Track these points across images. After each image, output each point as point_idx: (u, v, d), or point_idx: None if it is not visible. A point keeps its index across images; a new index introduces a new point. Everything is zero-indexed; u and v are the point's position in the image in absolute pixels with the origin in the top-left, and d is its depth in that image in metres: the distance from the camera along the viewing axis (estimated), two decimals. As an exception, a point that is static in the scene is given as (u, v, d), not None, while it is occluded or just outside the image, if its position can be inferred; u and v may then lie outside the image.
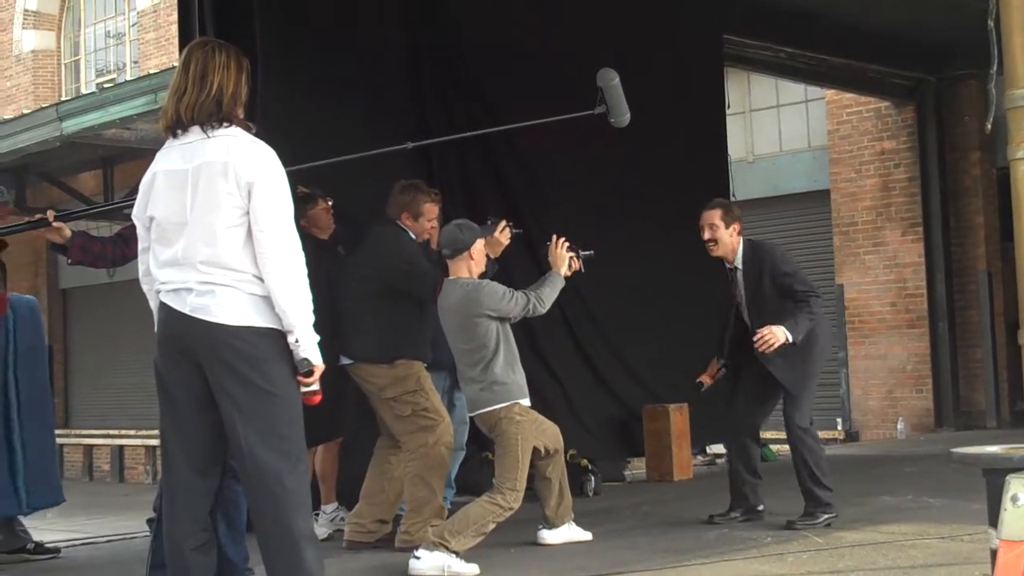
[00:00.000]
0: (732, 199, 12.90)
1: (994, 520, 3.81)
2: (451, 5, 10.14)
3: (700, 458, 12.17)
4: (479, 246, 6.69)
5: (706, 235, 7.43)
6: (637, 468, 11.20)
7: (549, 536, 7.06)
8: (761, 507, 7.65)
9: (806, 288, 7.39)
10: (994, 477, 3.78)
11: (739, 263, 7.43)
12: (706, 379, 7.93)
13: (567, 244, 6.96)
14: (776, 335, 7.10)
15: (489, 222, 7.17)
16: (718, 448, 12.71)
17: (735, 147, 15.39)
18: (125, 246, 5.97)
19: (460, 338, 6.68)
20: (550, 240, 6.99)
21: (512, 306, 6.61)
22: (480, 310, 6.55)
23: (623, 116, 6.33)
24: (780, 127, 16.95)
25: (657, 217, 11.18)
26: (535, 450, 6.77)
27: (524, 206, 10.29)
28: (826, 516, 7.24)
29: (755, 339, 7.15)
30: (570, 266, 6.96)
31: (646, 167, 11.20)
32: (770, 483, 9.25)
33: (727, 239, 7.39)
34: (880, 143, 15.96)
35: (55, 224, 5.89)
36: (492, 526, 6.45)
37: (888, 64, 15.22)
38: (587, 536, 7.13)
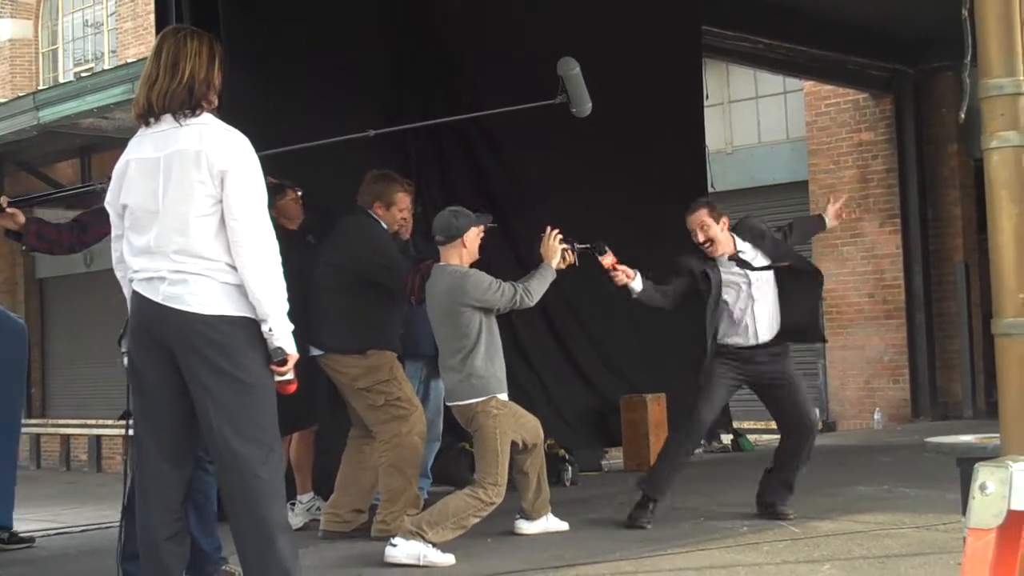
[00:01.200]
0: (711, 190, 12.98)
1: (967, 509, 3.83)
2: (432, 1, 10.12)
3: (678, 448, 12.18)
4: (472, 234, 6.64)
5: (701, 237, 7.20)
6: (614, 458, 11.22)
7: (527, 526, 7.05)
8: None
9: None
10: (967, 466, 3.79)
11: (741, 247, 7.27)
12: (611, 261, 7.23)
13: (560, 236, 6.89)
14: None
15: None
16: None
17: (714, 138, 15.40)
18: (82, 232, 5.91)
19: (443, 324, 6.64)
20: (543, 232, 6.90)
21: (498, 297, 6.54)
22: (465, 299, 6.50)
23: (584, 105, 6.22)
24: (759, 118, 16.99)
25: (634, 209, 11.17)
26: (513, 443, 6.76)
27: (501, 199, 10.29)
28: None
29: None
30: (563, 259, 6.84)
31: (623, 159, 11.20)
32: (742, 474, 9.28)
33: (720, 236, 7.22)
34: (858, 134, 16.00)
35: (9, 210, 5.79)
36: (474, 520, 6.42)
37: (866, 56, 15.26)
38: (564, 526, 7.12)
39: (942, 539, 6.22)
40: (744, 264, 7.24)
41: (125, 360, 5.93)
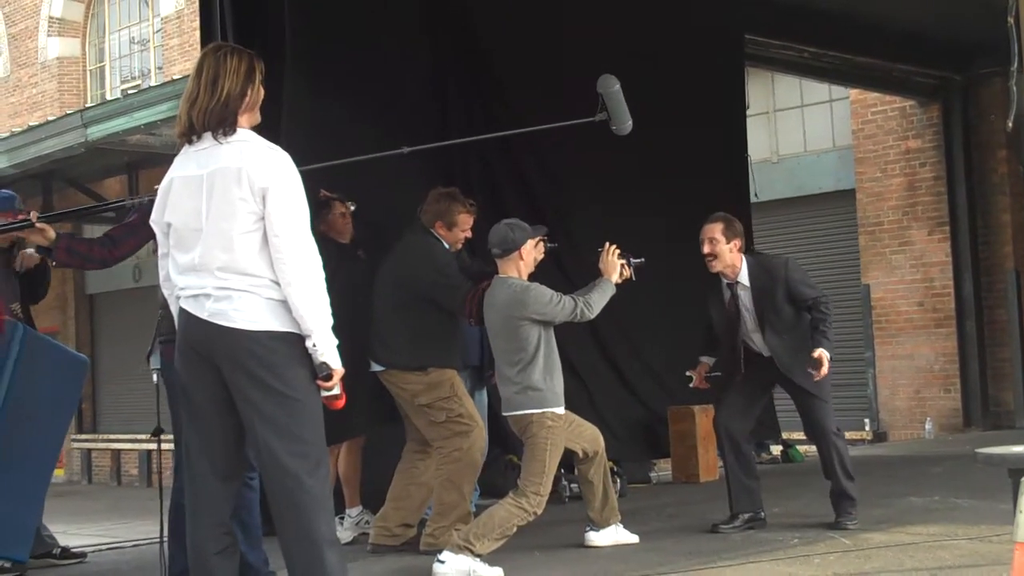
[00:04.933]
0: (755, 200, 12.91)
1: (1020, 520, 3.78)
2: (474, 12, 10.12)
3: (726, 460, 12.11)
4: (529, 246, 6.63)
5: (705, 249, 7.32)
6: (663, 470, 11.17)
7: (596, 538, 7.02)
8: (763, 513, 7.47)
9: (817, 293, 7.36)
10: (1020, 477, 3.76)
11: (744, 280, 7.33)
12: (697, 380, 7.72)
13: (618, 251, 6.90)
14: (825, 360, 7.05)
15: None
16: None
17: (759, 147, 15.33)
18: (113, 247, 5.92)
19: (501, 337, 6.63)
20: (602, 247, 6.89)
21: (558, 310, 6.55)
22: (524, 313, 6.50)
23: (624, 123, 6.15)
24: (804, 127, 16.89)
25: (678, 219, 11.06)
26: (574, 453, 6.78)
27: (547, 210, 10.27)
28: (856, 510, 7.24)
29: (814, 362, 7.04)
30: (621, 274, 6.87)
31: (666, 169, 11.17)
32: (796, 484, 9.23)
33: (727, 255, 7.29)
34: (905, 142, 15.88)
35: (38, 225, 5.79)
36: (515, 529, 6.42)
37: (913, 63, 15.13)
38: (634, 539, 7.08)
39: (996, 551, 6.15)
40: (732, 296, 7.40)
41: (155, 377, 5.97)
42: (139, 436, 20.91)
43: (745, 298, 7.36)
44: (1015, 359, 15.17)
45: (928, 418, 15.36)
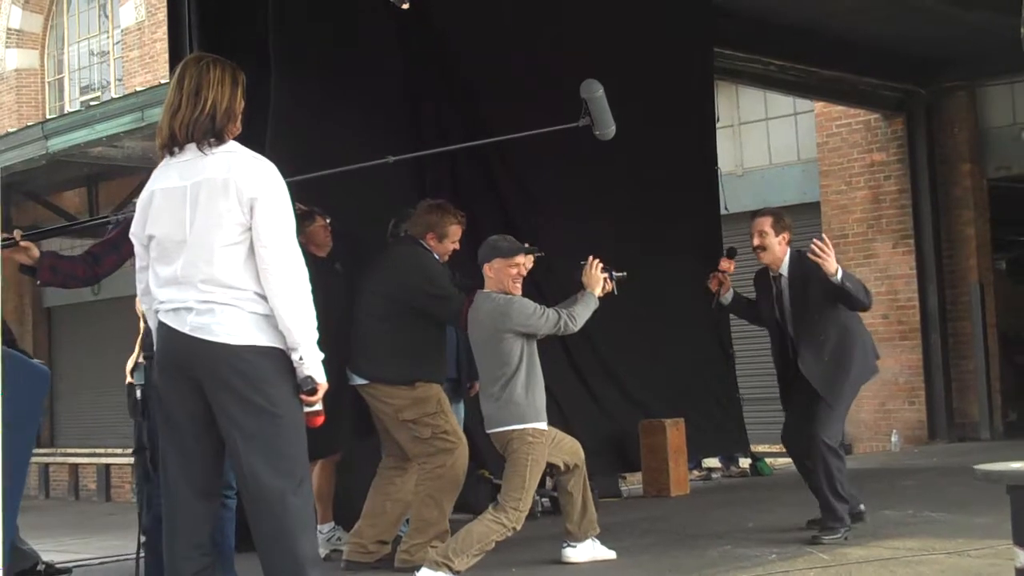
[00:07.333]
0: (724, 212, 12.91)
1: (1019, 538, 3.75)
2: (446, 23, 10.06)
3: (696, 473, 12.09)
4: (498, 264, 6.57)
5: (755, 241, 7.31)
6: (633, 484, 11.11)
7: (573, 554, 6.91)
8: (862, 506, 7.52)
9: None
10: (1019, 494, 3.73)
11: (784, 271, 7.33)
12: (714, 283, 7.67)
13: (600, 265, 6.86)
14: (830, 256, 6.99)
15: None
16: (713, 462, 12.65)
17: (724, 160, 15.32)
18: (96, 265, 5.80)
19: (484, 351, 6.59)
20: (585, 260, 6.84)
21: (542, 323, 6.50)
22: (508, 325, 6.46)
23: (608, 128, 6.17)
24: (769, 140, 16.92)
25: (648, 232, 11.12)
26: (555, 466, 6.73)
27: (518, 220, 10.20)
28: (844, 530, 7.12)
29: (813, 247, 7.02)
30: (603, 287, 6.83)
31: (636, 182, 11.15)
32: (768, 498, 9.21)
33: (776, 247, 7.29)
34: (870, 155, 15.93)
35: (23, 244, 5.65)
36: (493, 545, 6.36)
37: (878, 76, 15.20)
38: (611, 555, 6.99)
39: (976, 565, 6.13)
40: (778, 290, 7.38)
41: (139, 393, 5.84)
42: (97, 450, 20.73)
43: (785, 289, 7.37)
44: (979, 371, 15.27)
45: (895, 430, 15.40)
